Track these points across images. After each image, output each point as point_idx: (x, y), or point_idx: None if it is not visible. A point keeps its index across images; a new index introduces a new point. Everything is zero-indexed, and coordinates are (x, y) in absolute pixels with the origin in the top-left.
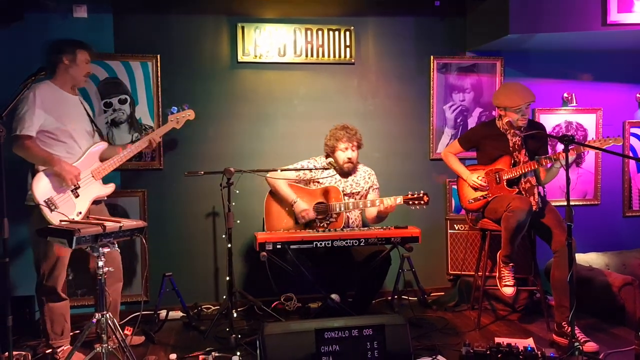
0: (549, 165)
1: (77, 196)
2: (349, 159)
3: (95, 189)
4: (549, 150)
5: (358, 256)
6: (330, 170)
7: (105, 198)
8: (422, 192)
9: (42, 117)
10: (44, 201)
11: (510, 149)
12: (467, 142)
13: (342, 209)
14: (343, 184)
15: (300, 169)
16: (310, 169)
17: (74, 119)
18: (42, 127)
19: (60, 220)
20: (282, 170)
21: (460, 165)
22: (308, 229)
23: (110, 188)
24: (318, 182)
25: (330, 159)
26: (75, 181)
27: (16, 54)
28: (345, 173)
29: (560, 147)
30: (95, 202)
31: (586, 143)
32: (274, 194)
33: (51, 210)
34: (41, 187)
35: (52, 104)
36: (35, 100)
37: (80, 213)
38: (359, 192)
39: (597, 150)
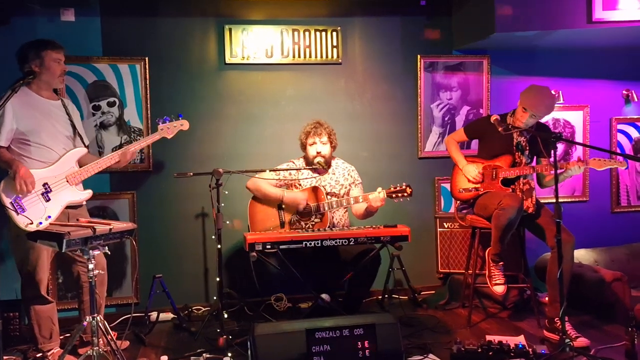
0: (547, 171)
1: (47, 200)
2: (318, 152)
3: (68, 194)
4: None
5: (347, 255)
6: (304, 171)
7: (83, 204)
8: (404, 184)
9: (14, 125)
10: (10, 203)
11: (514, 148)
12: (472, 131)
13: (326, 208)
14: (322, 183)
15: (287, 169)
16: (298, 169)
17: (50, 124)
18: (15, 135)
19: (27, 224)
20: (270, 170)
21: (460, 154)
22: (295, 229)
23: (86, 194)
24: (300, 185)
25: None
26: (25, 187)
27: (3, 58)
28: (322, 171)
29: (573, 157)
30: (74, 206)
31: (577, 141)
32: (254, 207)
33: (17, 213)
34: (9, 189)
35: (24, 111)
36: (5, 111)
37: (49, 217)
38: (339, 190)
39: (600, 165)
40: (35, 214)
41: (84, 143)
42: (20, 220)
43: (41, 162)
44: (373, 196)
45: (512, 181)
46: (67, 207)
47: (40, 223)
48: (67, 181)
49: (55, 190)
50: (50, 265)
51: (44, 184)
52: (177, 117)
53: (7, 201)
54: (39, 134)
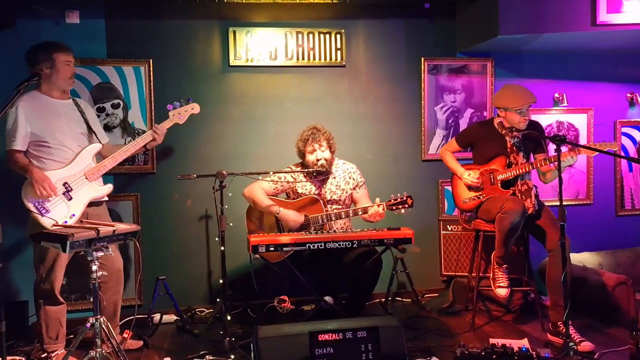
0: (544, 167)
1: (69, 199)
2: (318, 159)
3: (89, 191)
4: (549, 150)
5: (347, 259)
6: (301, 176)
7: (106, 199)
8: (405, 194)
9: (28, 129)
10: (34, 206)
11: (508, 149)
12: (463, 140)
13: (325, 220)
14: (322, 191)
15: (292, 171)
16: (302, 172)
17: (63, 123)
18: (31, 138)
19: (53, 225)
20: (274, 173)
21: (456, 163)
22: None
23: (107, 189)
24: (297, 193)
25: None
26: (44, 190)
27: (8, 60)
28: (322, 179)
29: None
30: (95, 203)
31: (580, 144)
32: (251, 213)
33: (42, 215)
34: (30, 193)
35: (36, 114)
36: (18, 115)
37: (73, 216)
38: (341, 195)
39: (592, 151)
40: (59, 214)
41: (98, 139)
42: (46, 222)
43: (59, 162)
44: (372, 211)
45: (512, 183)
46: (89, 205)
47: (66, 222)
48: (86, 178)
49: (75, 189)
50: None
51: (64, 184)
52: (187, 102)
53: (30, 205)
54: (54, 134)
